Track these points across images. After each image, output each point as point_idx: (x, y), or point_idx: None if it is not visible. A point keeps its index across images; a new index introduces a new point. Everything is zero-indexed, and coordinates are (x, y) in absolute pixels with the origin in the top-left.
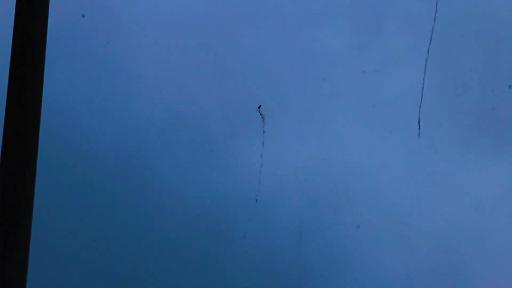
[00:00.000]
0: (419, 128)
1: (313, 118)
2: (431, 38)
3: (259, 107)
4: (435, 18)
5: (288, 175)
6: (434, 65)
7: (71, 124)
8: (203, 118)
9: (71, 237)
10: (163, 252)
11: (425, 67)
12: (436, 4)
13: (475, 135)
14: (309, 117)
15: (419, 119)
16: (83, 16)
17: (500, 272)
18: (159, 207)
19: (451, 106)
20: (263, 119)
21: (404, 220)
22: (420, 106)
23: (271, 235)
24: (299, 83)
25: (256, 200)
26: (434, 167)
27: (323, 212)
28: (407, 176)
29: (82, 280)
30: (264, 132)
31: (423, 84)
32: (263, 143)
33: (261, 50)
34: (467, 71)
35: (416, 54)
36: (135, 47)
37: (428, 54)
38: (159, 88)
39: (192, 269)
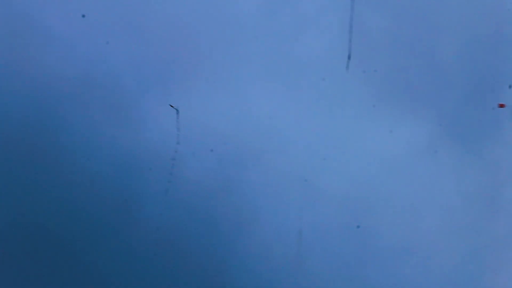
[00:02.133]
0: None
1: (225, 80)
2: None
3: (171, 106)
4: None
5: (200, 135)
6: (346, 27)
7: None
8: (116, 77)
9: None
10: (72, 208)
11: (351, 24)
12: None
13: (384, 97)
14: (220, 79)
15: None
16: (83, 16)
17: (403, 229)
18: (69, 164)
19: (362, 67)
20: (177, 112)
21: (312, 179)
22: (348, 62)
23: (186, 192)
24: (212, 45)
25: (174, 159)
26: (343, 127)
27: (232, 170)
28: (317, 136)
29: None
30: (178, 129)
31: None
32: (177, 130)
33: (176, 11)
34: (381, 31)
35: (330, 16)
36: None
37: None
38: (72, 44)
39: (104, 225)
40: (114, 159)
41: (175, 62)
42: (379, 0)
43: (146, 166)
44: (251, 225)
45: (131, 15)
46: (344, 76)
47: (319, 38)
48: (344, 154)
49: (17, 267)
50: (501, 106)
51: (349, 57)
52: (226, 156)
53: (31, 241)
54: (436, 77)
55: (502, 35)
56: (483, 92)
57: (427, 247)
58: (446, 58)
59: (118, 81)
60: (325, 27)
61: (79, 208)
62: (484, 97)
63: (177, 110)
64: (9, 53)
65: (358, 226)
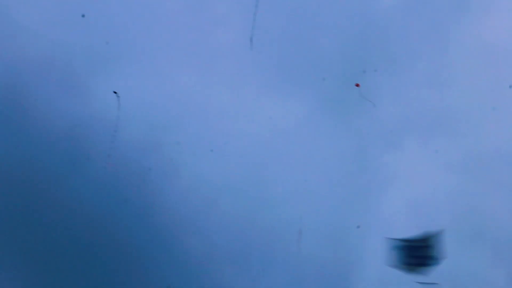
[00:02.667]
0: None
1: (154, 65)
2: None
3: (115, 92)
4: None
5: (137, 106)
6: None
7: None
8: (69, 61)
9: None
10: (29, 157)
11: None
12: None
13: (278, 80)
14: (151, 64)
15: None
16: (83, 16)
17: (293, 179)
18: (31, 126)
19: (262, 55)
20: (118, 97)
21: (220, 141)
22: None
23: (126, 150)
24: (146, 38)
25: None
26: (247, 102)
27: (159, 132)
28: (224, 107)
29: None
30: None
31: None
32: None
33: (117, 11)
34: (275, 29)
35: (237, 16)
36: None
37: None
38: (35, 33)
39: (54, 174)
40: (67, 122)
41: (115, 50)
42: (276, 4)
43: (93, 130)
44: (174, 176)
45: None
46: (247, 63)
47: (228, 33)
48: (248, 122)
49: None
50: (357, 85)
51: (251, 40)
52: (156, 121)
53: None
54: (316, 65)
55: (368, 34)
56: (350, 77)
57: (310, 194)
58: (323, 51)
59: (71, 64)
60: (232, 24)
61: (37, 156)
62: (350, 81)
63: (118, 95)
64: None
65: (358, 227)
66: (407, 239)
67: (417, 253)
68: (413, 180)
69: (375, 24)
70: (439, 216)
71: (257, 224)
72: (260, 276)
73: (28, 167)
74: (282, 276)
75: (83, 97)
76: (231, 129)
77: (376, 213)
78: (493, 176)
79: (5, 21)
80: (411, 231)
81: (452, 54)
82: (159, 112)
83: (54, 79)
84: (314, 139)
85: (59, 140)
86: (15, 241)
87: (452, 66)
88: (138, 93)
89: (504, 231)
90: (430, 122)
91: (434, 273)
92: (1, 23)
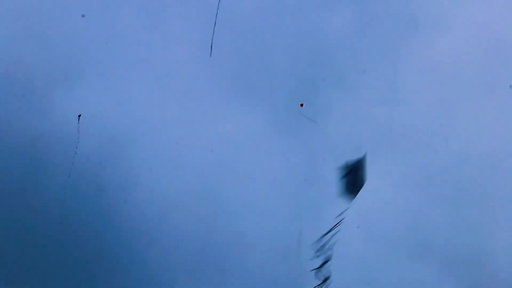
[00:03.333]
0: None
1: (110, 80)
2: None
3: (79, 116)
4: None
5: (94, 119)
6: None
7: None
8: (29, 75)
9: None
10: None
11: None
12: None
13: (235, 95)
14: (106, 79)
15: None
16: (83, 16)
17: (244, 190)
18: None
19: (220, 72)
20: (79, 118)
21: (175, 154)
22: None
23: (86, 164)
24: (103, 53)
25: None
26: (204, 115)
27: (116, 145)
28: (181, 120)
29: None
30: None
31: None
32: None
33: (77, 28)
34: (232, 48)
35: (195, 34)
36: None
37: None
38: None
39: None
40: (26, 138)
41: (74, 65)
42: (232, 24)
43: (52, 146)
44: (130, 189)
45: (43, 27)
46: (203, 80)
47: (183, 50)
48: (203, 137)
49: None
50: (301, 105)
51: (211, 48)
52: (114, 135)
53: None
54: (272, 82)
55: (320, 53)
56: (303, 94)
57: (262, 206)
58: (278, 68)
59: (31, 79)
60: (188, 42)
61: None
62: (303, 97)
63: (79, 116)
64: None
65: (358, 227)
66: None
67: (353, 176)
68: (363, 194)
69: (327, 43)
70: (388, 230)
71: (211, 235)
72: (214, 286)
73: None
74: (235, 285)
75: (43, 112)
76: (187, 142)
77: (327, 225)
78: (439, 191)
79: None
80: (361, 244)
81: (401, 73)
82: (117, 127)
83: (15, 94)
84: (267, 153)
85: (18, 154)
86: None
87: (400, 84)
88: (97, 107)
89: (450, 243)
90: (379, 140)
91: (383, 284)
92: None
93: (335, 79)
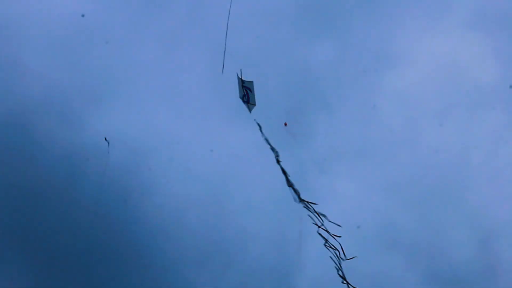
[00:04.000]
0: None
1: (136, 101)
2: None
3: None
4: None
5: (121, 135)
6: None
7: None
8: (65, 97)
9: None
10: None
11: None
12: None
13: (236, 113)
14: (133, 100)
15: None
16: (83, 15)
17: (247, 194)
18: (36, 153)
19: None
20: (108, 144)
21: (188, 164)
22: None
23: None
24: (128, 80)
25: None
26: (211, 131)
27: (139, 157)
28: (194, 136)
29: None
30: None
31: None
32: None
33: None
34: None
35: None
36: None
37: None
38: (41, 73)
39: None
40: (63, 150)
41: (103, 89)
42: (235, 57)
43: (85, 156)
44: (150, 194)
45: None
46: (211, 101)
47: (196, 78)
48: (210, 149)
49: None
50: (285, 124)
51: (223, 67)
52: (136, 149)
53: None
54: (267, 104)
55: (306, 81)
56: (293, 114)
57: (259, 207)
58: (272, 93)
59: (68, 100)
60: (199, 69)
61: (40, 177)
62: (293, 117)
63: (108, 142)
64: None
65: (358, 227)
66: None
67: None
68: (342, 198)
69: (313, 73)
70: (363, 228)
71: (218, 231)
72: (220, 274)
73: (32, 186)
74: (238, 274)
75: (78, 128)
76: (197, 154)
77: (313, 224)
78: (406, 196)
79: (14, 65)
80: (340, 239)
81: (375, 98)
82: (139, 141)
83: (54, 114)
84: (264, 163)
85: (56, 163)
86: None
87: (374, 108)
88: (122, 125)
89: (415, 241)
90: (356, 152)
91: (359, 273)
92: (11, 68)
93: (320, 102)
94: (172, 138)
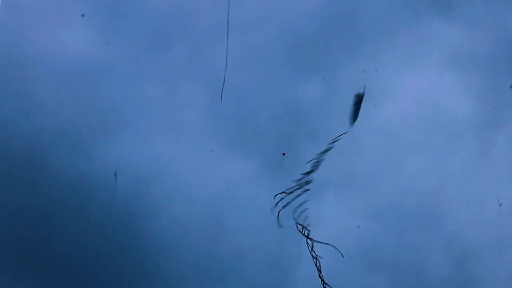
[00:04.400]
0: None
1: (140, 134)
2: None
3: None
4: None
5: (125, 164)
6: None
7: None
8: (75, 128)
9: None
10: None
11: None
12: None
13: (233, 143)
14: (137, 131)
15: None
16: (83, 15)
17: (241, 217)
18: (50, 181)
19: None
20: (116, 177)
21: (187, 189)
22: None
23: (121, 198)
24: (134, 115)
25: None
26: (209, 160)
27: (142, 184)
28: (193, 165)
29: None
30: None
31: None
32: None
33: (107, 97)
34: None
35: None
36: None
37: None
38: (53, 108)
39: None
40: (73, 179)
41: (111, 123)
42: (231, 95)
43: (94, 184)
44: (153, 218)
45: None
46: (210, 134)
47: (194, 111)
48: (209, 176)
49: None
50: (283, 154)
51: (221, 96)
52: (140, 176)
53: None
54: (260, 136)
55: (296, 116)
56: (284, 146)
57: (253, 230)
58: (265, 126)
59: (78, 133)
60: (198, 104)
61: (51, 203)
62: (284, 148)
63: (115, 175)
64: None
65: (358, 227)
66: None
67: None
68: (330, 222)
69: (302, 108)
70: (348, 250)
71: (215, 252)
72: None
73: (43, 211)
74: None
75: (87, 158)
76: (196, 180)
77: (304, 245)
78: (387, 220)
79: (28, 101)
80: (329, 260)
81: (358, 131)
82: (142, 169)
83: (65, 145)
84: (257, 189)
85: (68, 191)
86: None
87: (358, 139)
88: (127, 155)
89: (396, 261)
90: (342, 180)
91: None
92: (25, 104)
93: (309, 135)
94: (174, 167)
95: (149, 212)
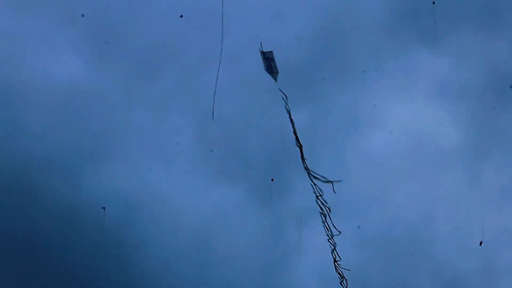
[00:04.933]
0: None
1: (129, 160)
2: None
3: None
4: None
5: (113, 191)
6: None
7: None
8: (65, 155)
9: None
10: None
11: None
12: None
13: (220, 171)
14: (126, 158)
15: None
16: (82, 15)
17: (230, 245)
18: (40, 206)
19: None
20: (104, 210)
21: (176, 217)
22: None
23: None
24: (121, 140)
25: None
26: (198, 188)
27: (133, 209)
28: (182, 192)
29: None
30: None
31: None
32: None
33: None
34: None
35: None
36: None
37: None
38: (41, 135)
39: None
40: (62, 205)
41: (100, 149)
42: (219, 123)
43: (83, 211)
44: (145, 241)
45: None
46: (199, 162)
47: (184, 141)
48: (197, 204)
49: None
50: (272, 180)
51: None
52: (130, 202)
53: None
54: (248, 165)
55: (283, 143)
56: (272, 173)
57: (242, 258)
58: (252, 154)
59: (68, 159)
60: (187, 131)
61: (40, 230)
62: (272, 175)
63: (104, 208)
64: None
65: (358, 227)
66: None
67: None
68: (318, 249)
69: (289, 136)
70: (336, 278)
71: (205, 277)
72: None
73: (32, 238)
74: None
75: (76, 185)
76: (185, 208)
77: (293, 273)
78: (375, 247)
79: (17, 129)
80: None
81: (346, 159)
82: (132, 195)
83: (54, 172)
84: (245, 217)
85: (56, 218)
86: None
87: (346, 168)
88: (117, 181)
89: (382, 285)
90: (330, 207)
91: None
92: (14, 132)
93: (296, 163)
94: (162, 194)
95: (138, 239)
